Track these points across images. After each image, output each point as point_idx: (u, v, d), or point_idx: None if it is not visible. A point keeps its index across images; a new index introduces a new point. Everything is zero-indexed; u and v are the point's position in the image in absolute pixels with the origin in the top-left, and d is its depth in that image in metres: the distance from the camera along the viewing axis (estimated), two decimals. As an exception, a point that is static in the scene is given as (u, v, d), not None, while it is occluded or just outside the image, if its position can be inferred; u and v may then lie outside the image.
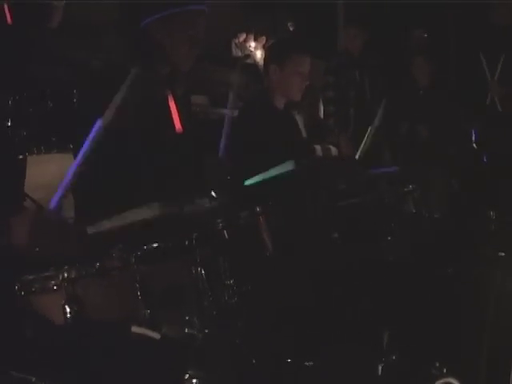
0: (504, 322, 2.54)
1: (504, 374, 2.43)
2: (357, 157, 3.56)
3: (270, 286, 2.43)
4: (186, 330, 1.84)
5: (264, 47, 5.90)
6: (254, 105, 3.86)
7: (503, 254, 2.84)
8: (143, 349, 1.72)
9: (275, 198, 2.64)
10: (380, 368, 2.22)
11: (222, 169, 2.74)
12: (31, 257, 1.82)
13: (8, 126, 3.34)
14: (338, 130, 5.41)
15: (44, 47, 3.46)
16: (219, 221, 2.38)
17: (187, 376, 1.65)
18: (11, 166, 2.93)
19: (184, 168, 2.61)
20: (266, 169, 2.97)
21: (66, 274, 1.81)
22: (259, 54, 5.96)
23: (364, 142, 3.76)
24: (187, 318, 1.88)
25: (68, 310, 1.80)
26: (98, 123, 1.94)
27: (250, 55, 6.02)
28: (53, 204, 1.87)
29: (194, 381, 1.67)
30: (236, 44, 6.00)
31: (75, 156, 2.53)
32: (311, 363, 2.23)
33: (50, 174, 3.50)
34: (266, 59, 3.95)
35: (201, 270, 2.02)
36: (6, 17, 3.28)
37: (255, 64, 5.85)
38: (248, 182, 2.96)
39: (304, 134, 4.94)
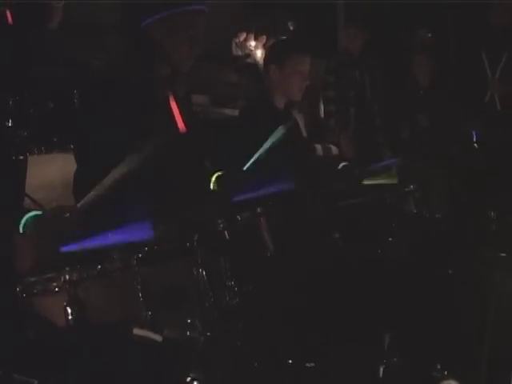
0: (504, 322, 2.54)
1: (505, 375, 2.44)
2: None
3: (271, 286, 2.43)
4: (188, 333, 1.84)
5: (264, 46, 5.91)
6: (254, 105, 3.86)
7: (504, 254, 2.84)
8: (145, 351, 1.72)
9: (276, 198, 2.64)
10: (381, 370, 2.23)
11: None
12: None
13: (9, 127, 3.34)
14: (338, 129, 5.41)
15: (44, 47, 3.46)
16: (220, 221, 2.38)
17: (189, 378, 1.65)
18: (12, 167, 2.94)
19: (186, 168, 2.61)
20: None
21: (67, 276, 1.81)
22: (259, 54, 5.97)
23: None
24: (189, 320, 1.88)
25: (70, 311, 1.80)
26: None
27: (250, 54, 6.03)
28: (64, 249, 1.87)
29: (196, 383, 1.68)
30: (236, 43, 6.01)
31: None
32: (312, 364, 2.23)
33: (50, 174, 3.50)
34: (266, 59, 3.95)
35: (202, 272, 2.02)
36: (6, 17, 3.28)
37: (255, 63, 5.86)
38: (248, 165, 2.97)
39: (304, 133, 4.95)
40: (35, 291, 1.83)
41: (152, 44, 2.52)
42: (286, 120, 3.82)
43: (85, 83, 3.21)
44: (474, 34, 5.48)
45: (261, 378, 2.11)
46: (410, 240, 2.97)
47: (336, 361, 2.27)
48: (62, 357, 1.70)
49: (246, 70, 5.77)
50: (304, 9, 6.47)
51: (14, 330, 1.77)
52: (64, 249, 1.87)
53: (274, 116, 3.69)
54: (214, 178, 2.92)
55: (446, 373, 2.24)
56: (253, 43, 6.00)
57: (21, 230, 1.98)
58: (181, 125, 2.55)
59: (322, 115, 5.89)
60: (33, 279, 1.82)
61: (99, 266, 1.86)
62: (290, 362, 2.27)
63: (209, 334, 1.86)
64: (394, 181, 3.42)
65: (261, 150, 3.00)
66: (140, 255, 1.90)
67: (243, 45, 5.95)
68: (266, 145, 3.00)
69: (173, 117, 2.57)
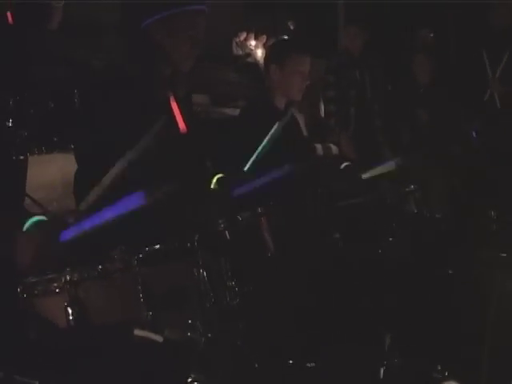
0: (505, 322, 2.54)
1: (505, 376, 2.44)
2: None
3: (272, 286, 2.43)
4: (189, 334, 1.84)
5: (264, 46, 5.91)
6: (254, 104, 3.86)
7: (504, 254, 2.84)
8: (146, 352, 1.72)
9: (277, 198, 2.64)
10: (382, 371, 2.23)
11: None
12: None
13: (9, 127, 3.34)
14: (338, 129, 5.41)
15: (44, 47, 3.46)
16: (221, 221, 2.38)
17: (190, 379, 1.65)
18: (12, 167, 2.94)
19: (187, 168, 2.61)
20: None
21: (68, 277, 1.82)
22: (260, 53, 5.97)
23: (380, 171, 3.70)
24: (190, 321, 1.88)
25: (70, 312, 1.80)
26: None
27: (250, 54, 6.03)
28: (64, 237, 1.86)
29: (197, 384, 1.68)
30: (237, 43, 6.00)
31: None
32: (313, 364, 2.23)
33: (51, 174, 3.50)
34: (266, 59, 3.95)
35: (203, 272, 2.02)
36: (6, 17, 3.28)
37: (256, 63, 5.86)
38: (247, 166, 2.97)
39: (305, 133, 4.94)
40: (36, 292, 1.83)
41: (152, 44, 2.52)
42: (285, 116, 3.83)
43: (85, 83, 3.21)
44: (475, 34, 5.48)
45: (261, 379, 2.11)
46: (410, 240, 2.97)
47: (336, 361, 2.27)
48: (62, 357, 1.70)
49: (246, 69, 5.76)
50: (304, 8, 6.46)
51: (15, 331, 1.77)
52: (63, 237, 1.86)
53: (275, 116, 3.69)
54: (215, 180, 2.92)
55: (446, 373, 2.24)
56: (253, 43, 5.99)
57: None
58: (181, 125, 2.55)
59: (323, 115, 5.88)
60: (33, 280, 1.83)
61: (100, 267, 1.86)
62: (291, 362, 2.27)
63: (209, 335, 1.86)
64: (392, 168, 3.44)
65: (259, 148, 3.00)
66: (141, 256, 1.91)
67: (243, 44, 5.95)
68: (264, 142, 3.00)
69: (173, 117, 2.57)
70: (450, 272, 2.79)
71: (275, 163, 2.92)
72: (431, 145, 5.16)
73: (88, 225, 1.84)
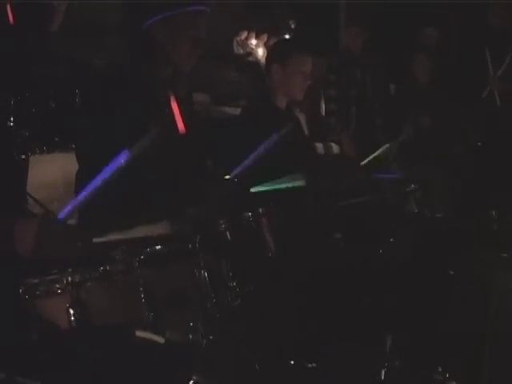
0: (506, 323, 2.54)
1: (506, 377, 2.44)
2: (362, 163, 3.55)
3: (273, 287, 2.44)
4: (191, 337, 1.84)
5: (265, 45, 5.92)
6: (255, 104, 3.85)
7: (505, 254, 2.84)
8: (147, 353, 1.72)
9: (277, 198, 2.64)
10: (383, 372, 2.23)
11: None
12: (35, 260, 1.82)
13: (10, 126, 3.34)
14: (339, 128, 5.41)
15: (46, 47, 3.46)
16: (222, 222, 2.38)
17: (191, 382, 1.65)
18: (13, 166, 2.94)
19: (187, 169, 2.61)
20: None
21: (70, 278, 1.82)
22: (261, 52, 5.98)
23: (377, 153, 3.75)
24: (191, 324, 1.88)
25: (72, 313, 1.81)
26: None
27: (251, 53, 6.03)
28: (61, 216, 1.86)
29: (198, 386, 1.68)
30: (237, 42, 6.01)
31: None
32: (314, 365, 2.24)
33: (52, 173, 3.51)
34: (268, 58, 3.95)
35: (204, 273, 2.02)
36: (8, 17, 3.28)
37: (257, 62, 5.87)
38: (254, 189, 2.95)
39: (306, 132, 4.95)
40: (38, 293, 1.83)
41: (153, 44, 2.52)
42: (288, 120, 3.83)
43: (86, 83, 3.21)
44: (478, 32, 5.48)
45: (262, 379, 2.11)
46: (411, 240, 2.97)
47: (337, 362, 2.27)
48: (64, 358, 1.70)
49: (247, 68, 5.77)
50: (306, 8, 6.47)
51: (17, 332, 1.77)
52: (60, 216, 1.86)
53: (276, 115, 3.69)
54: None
55: (447, 375, 2.24)
56: (254, 42, 6.00)
57: None
58: (180, 126, 2.55)
59: (324, 114, 5.89)
60: (35, 281, 1.83)
61: (101, 268, 1.86)
62: (292, 362, 2.27)
63: (211, 337, 1.86)
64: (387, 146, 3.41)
65: (273, 184, 2.96)
66: (142, 257, 1.91)
67: (244, 43, 5.95)
68: (281, 182, 2.94)
69: (173, 117, 2.58)
70: (451, 272, 2.79)
71: (275, 163, 2.92)
72: (432, 145, 5.17)
73: (81, 197, 1.84)
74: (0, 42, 3.26)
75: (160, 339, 1.74)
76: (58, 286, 1.83)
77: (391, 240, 2.90)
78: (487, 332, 2.49)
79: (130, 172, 1.91)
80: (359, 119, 5.42)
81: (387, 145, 3.95)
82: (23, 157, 3.30)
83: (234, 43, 5.98)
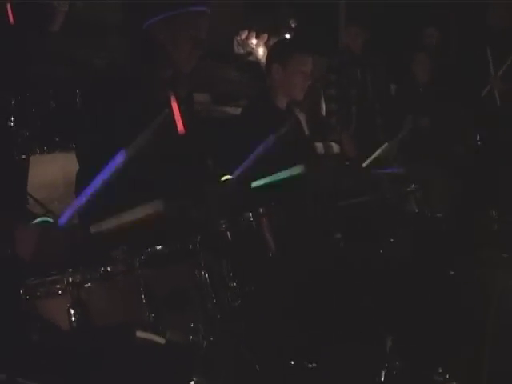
0: (506, 323, 2.54)
1: (506, 378, 2.44)
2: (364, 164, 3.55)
3: (273, 287, 2.44)
4: (191, 338, 1.84)
5: (266, 44, 5.92)
6: (256, 104, 3.86)
7: (505, 254, 2.84)
8: (148, 354, 1.72)
9: (278, 198, 2.64)
10: (383, 373, 2.23)
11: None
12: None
13: (11, 126, 3.34)
14: (340, 127, 5.41)
15: (46, 47, 3.46)
16: (222, 222, 2.39)
17: (192, 383, 1.66)
18: (14, 166, 2.94)
19: (187, 169, 2.61)
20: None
21: (70, 279, 1.82)
22: (261, 52, 5.98)
23: (377, 153, 3.76)
24: (192, 324, 1.88)
25: (73, 314, 1.81)
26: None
27: (251, 52, 6.03)
28: (62, 221, 1.86)
29: (199, 387, 1.68)
30: (238, 41, 6.01)
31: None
32: (314, 365, 2.24)
33: (52, 173, 3.51)
34: (268, 58, 3.95)
35: (204, 273, 2.02)
36: (8, 17, 3.28)
37: (257, 61, 5.87)
38: (254, 185, 2.96)
39: (307, 131, 4.95)
40: (38, 294, 1.83)
41: (154, 44, 2.52)
42: (289, 119, 3.83)
43: (86, 83, 3.21)
44: (478, 32, 5.48)
45: (263, 379, 2.12)
46: (411, 240, 2.97)
47: (338, 363, 2.28)
48: (65, 359, 1.70)
49: (247, 68, 5.77)
50: (306, 8, 6.47)
51: (17, 333, 1.77)
52: (61, 222, 1.86)
53: (276, 115, 3.69)
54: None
55: (447, 376, 2.25)
56: (254, 41, 6.00)
57: None
58: (180, 127, 2.55)
59: (324, 113, 5.89)
60: (36, 281, 1.83)
61: (102, 269, 1.86)
62: (292, 362, 2.27)
63: (211, 338, 1.86)
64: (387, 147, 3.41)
65: (273, 177, 2.96)
66: (143, 258, 1.91)
67: (245, 43, 5.95)
68: (280, 175, 2.95)
69: (174, 118, 2.57)
70: (451, 272, 2.79)
71: (275, 163, 2.93)
72: (432, 145, 5.17)
73: (80, 201, 1.84)
74: (0, 42, 3.26)
75: (161, 340, 1.74)
76: (58, 286, 1.83)
77: (391, 240, 2.90)
78: (487, 332, 2.49)
79: (130, 172, 1.92)
80: (359, 119, 5.42)
81: (387, 144, 3.96)
82: (24, 157, 3.29)
83: (235, 43, 5.98)
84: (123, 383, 1.67)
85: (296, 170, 2.91)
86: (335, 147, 5.70)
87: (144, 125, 2.34)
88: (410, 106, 5.64)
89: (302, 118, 5.06)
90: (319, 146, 5.58)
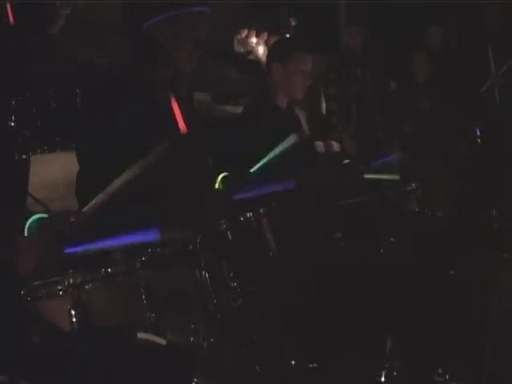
0: (506, 323, 2.54)
1: (506, 378, 2.44)
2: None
3: (274, 287, 2.44)
4: (192, 339, 1.85)
5: (266, 43, 5.90)
6: (256, 103, 3.86)
7: (506, 254, 2.84)
8: (149, 355, 1.73)
9: (278, 198, 2.65)
10: (383, 374, 2.23)
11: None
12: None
13: (11, 126, 3.34)
14: (340, 126, 5.41)
15: (46, 47, 3.45)
16: (223, 222, 2.39)
17: (193, 383, 1.66)
18: (14, 166, 2.94)
19: (188, 169, 2.61)
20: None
21: (71, 280, 1.82)
22: (261, 50, 5.96)
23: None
24: (192, 326, 1.89)
25: (74, 315, 1.81)
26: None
27: (252, 51, 6.02)
28: (70, 250, 1.87)
29: (200, 388, 1.68)
30: (238, 40, 5.99)
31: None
32: (315, 365, 2.24)
33: (53, 173, 3.51)
34: (268, 57, 3.95)
35: (205, 274, 2.03)
36: (8, 17, 3.28)
37: (257, 60, 5.86)
38: (254, 169, 2.96)
39: (307, 130, 4.94)
40: (39, 295, 1.84)
41: (154, 45, 2.53)
42: (289, 119, 3.84)
43: (87, 83, 3.22)
44: (479, 32, 5.47)
45: (263, 380, 2.12)
46: (411, 239, 2.97)
47: (338, 363, 2.28)
48: (65, 360, 1.70)
49: (247, 67, 5.76)
50: (306, 8, 6.46)
51: (19, 334, 1.78)
52: (68, 251, 1.88)
53: (277, 115, 3.70)
54: (219, 178, 2.93)
55: (447, 376, 2.25)
56: (254, 40, 5.98)
57: (26, 233, 1.99)
58: (182, 126, 2.56)
59: (324, 112, 5.88)
60: (37, 283, 1.83)
61: (103, 270, 1.87)
62: (293, 363, 2.28)
63: (212, 339, 1.87)
64: (395, 177, 3.42)
65: (270, 155, 2.98)
66: (143, 258, 1.91)
67: (245, 41, 5.94)
68: (276, 150, 2.97)
69: (174, 118, 2.58)
70: (452, 272, 2.79)
71: (276, 164, 2.93)
72: (433, 144, 5.17)
73: (94, 246, 1.86)
74: (0, 42, 3.26)
75: (162, 341, 1.75)
76: (59, 287, 1.84)
77: (392, 239, 2.90)
78: (487, 332, 2.49)
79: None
80: (360, 117, 5.43)
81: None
82: (24, 156, 3.29)
83: (235, 42, 5.97)
84: (124, 384, 1.68)
85: (289, 140, 2.94)
86: (336, 146, 5.69)
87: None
88: (410, 105, 5.64)
89: (303, 116, 5.05)
90: (320, 144, 5.57)
